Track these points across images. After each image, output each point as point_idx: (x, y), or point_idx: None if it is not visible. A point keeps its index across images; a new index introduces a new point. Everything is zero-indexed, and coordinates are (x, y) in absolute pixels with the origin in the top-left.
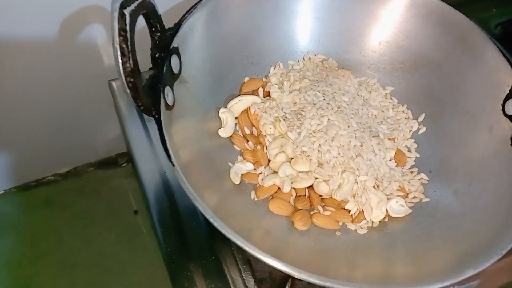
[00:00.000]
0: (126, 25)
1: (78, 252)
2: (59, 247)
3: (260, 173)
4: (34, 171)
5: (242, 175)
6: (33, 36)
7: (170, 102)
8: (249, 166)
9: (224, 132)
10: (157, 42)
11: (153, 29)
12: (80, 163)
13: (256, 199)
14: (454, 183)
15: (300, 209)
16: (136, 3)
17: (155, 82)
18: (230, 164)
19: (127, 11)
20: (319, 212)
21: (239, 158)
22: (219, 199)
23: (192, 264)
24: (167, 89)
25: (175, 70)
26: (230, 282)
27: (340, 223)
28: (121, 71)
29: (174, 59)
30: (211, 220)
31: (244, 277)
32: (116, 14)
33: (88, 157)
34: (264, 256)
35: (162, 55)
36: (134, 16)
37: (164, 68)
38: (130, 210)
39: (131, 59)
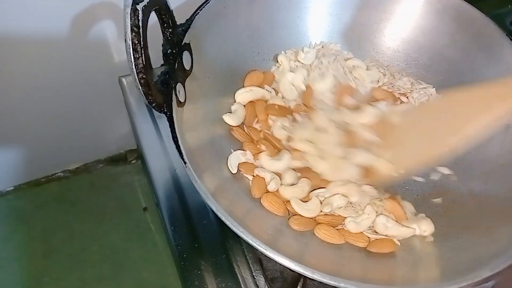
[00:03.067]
0: (138, 21)
1: (88, 248)
2: (69, 242)
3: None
4: (45, 167)
5: (239, 164)
6: (44, 32)
7: (181, 99)
8: (249, 156)
9: (230, 118)
10: (169, 38)
11: (165, 25)
12: (90, 159)
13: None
14: (469, 182)
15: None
16: None
17: (167, 79)
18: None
19: (139, 7)
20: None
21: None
22: (232, 199)
23: (202, 262)
24: (179, 85)
25: (187, 67)
26: (241, 281)
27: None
28: (133, 67)
29: (185, 56)
30: (227, 222)
31: (254, 276)
32: (128, 10)
33: (98, 154)
34: (279, 257)
35: (174, 51)
36: (146, 12)
37: (176, 64)
38: (140, 207)
39: (143, 55)
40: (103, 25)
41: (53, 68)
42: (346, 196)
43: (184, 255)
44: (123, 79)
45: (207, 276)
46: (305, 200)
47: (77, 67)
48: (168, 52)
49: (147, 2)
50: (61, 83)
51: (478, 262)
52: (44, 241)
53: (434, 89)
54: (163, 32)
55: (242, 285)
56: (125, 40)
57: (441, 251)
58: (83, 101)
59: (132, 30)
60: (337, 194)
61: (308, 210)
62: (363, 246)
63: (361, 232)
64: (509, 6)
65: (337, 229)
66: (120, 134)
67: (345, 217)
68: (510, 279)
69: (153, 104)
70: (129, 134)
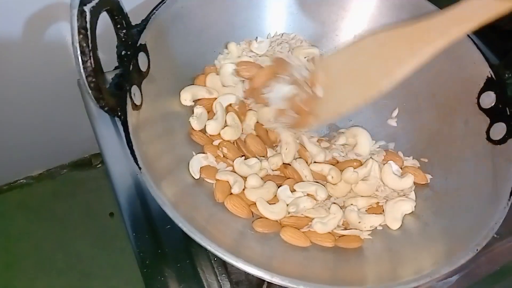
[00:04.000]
0: (86, 22)
1: (54, 256)
2: (34, 251)
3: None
4: (6, 175)
5: (200, 168)
6: None
7: (137, 102)
8: (210, 159)
9: (196, 123)
10: (123, 39)
11: (118, 26)
12: (53, 165)
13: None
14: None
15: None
16: None
17: (121, 81)
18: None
19: (87, 8)
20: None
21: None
22: (193, 204)
23: (166, 269)
24: (134, 88)
25: (143, 68)
26: (206, 286)
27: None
28: (82, 70)
29: (141, 57)
30: (184, 228)
31: (220, 280)
32: (75, 12)
33: (62, 159)
34: (236, 262)
35: (129, 52)
36: (95, 13)
37: (131, 66)
38: (106, 213)
39: (92, 58)
40: (60, 26)
41: (9, 72)
42: (313, 197)
43: (147, 262)
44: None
45: (171, 282)
46: (271, 202)
47: (35, 70)
48: (123, 53)
49: (96, 3)
50: (19, 87)
51: (438, 258)
52: (7, 251)
53: None
54: (117, 34)
55: None
56: (72, 42)
57: (401, 249)
58: (43, 105)
59: (79, 32)
60: (304, 196)
61: (273, 213)
62: (330, 246)
63: (328, 232)
64: None
65: (303, 231)
66: (84, 137)
67: (312, 218)
68: (472, 273)
69: (106, 108)
70: (93, 137)
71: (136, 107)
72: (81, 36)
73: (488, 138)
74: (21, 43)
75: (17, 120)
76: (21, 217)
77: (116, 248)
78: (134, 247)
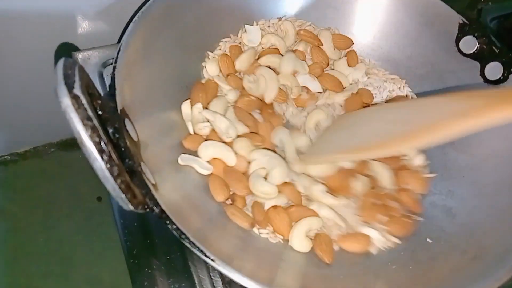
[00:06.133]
0: (85, 108)
1: (35, 240)
2: (13, 234)
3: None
4: None
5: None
6: None
7: (153, 181)
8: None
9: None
10: (100, 113)
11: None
12: (40, 143)
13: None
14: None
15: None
16: (77, 73)
17: (130, 165)
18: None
19: (77, 90)
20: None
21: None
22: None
23: (154, 261)
24: (143, 164)
25: (134, 137)
26: (197, 282)
27: None
28: (107, 174)
29: (128, 124)
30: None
31: (212, 277)
32: (68, 101)
33: (50, 137)
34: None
35: (116, 125)
36: (86, 91)
37: (127, 141)
38: (94, 197)
39: (112, 150)
40: None
41: None
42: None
43: (134, 252)
44: (76, 54)
45: (158, 276)
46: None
47: (22, 42)
48: (112, 131)
49: (80, 79)
50: (4, 59)
51: None
52: None
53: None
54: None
55: (198, 287)
56: (81, 143)
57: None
58: (29, 78)
59: (84, 126)
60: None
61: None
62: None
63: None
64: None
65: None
66: None
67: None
68: None
69: (139, 207)
70: None
71: (154, 186)
72: (89, 131)
73: (487, 81)
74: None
75: (5, 94)
76: (2, 196)
77: (102, 235)
78: (121, 235)
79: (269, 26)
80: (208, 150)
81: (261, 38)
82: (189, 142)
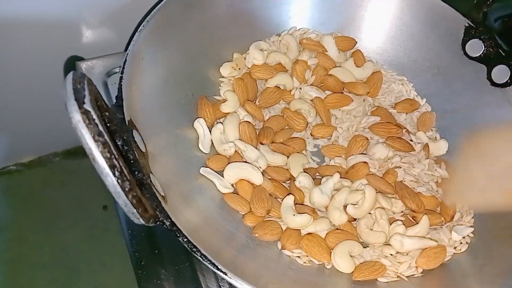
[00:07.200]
0: (96, 124)
1: (40, 249)
2: (18, 242)
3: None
4: None
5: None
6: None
7: (162, 192)
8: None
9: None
10: (108, 124)
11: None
12: (45, 152)
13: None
14: None
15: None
16: (86, 87)
17: (140, 178)
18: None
19: (88, 105)
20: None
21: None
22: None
23: (162, 271)
24: (152, 176)
25: (142, 148)
26: None
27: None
28: (119, 190)
29: (136, 135)
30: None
31: (221, 286)
32: (79, 117)
33: (55, 146)
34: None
35: (125, 137)
36: (95, 104)
37: (136, 153)
38: (99, 205)
39: (123, 165)
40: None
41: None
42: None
43: (142, 263)
44: (80, 64)
45: (167, 286)
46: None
47: (29, 51)
48: (120, 143)
49: (89, 93)
50: (11, 67)
51: None
52: None
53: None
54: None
55: None
56: (93, 159)
57: None
58: (36, 87)
59: (96, 142)
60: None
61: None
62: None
63: None
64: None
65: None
66: None
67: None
68: None
69: (151, 220)
70: None
71: (164, 198)
72: (101, 146)
73: (494, 84)
74: (15, 25)
75: (7, 103)
76: (7, 205)
77: (107, 243)
78: (129, 246)
79: (270, 45)
80: (234, 172)
81: (266, 57)
82: (214, 162)
